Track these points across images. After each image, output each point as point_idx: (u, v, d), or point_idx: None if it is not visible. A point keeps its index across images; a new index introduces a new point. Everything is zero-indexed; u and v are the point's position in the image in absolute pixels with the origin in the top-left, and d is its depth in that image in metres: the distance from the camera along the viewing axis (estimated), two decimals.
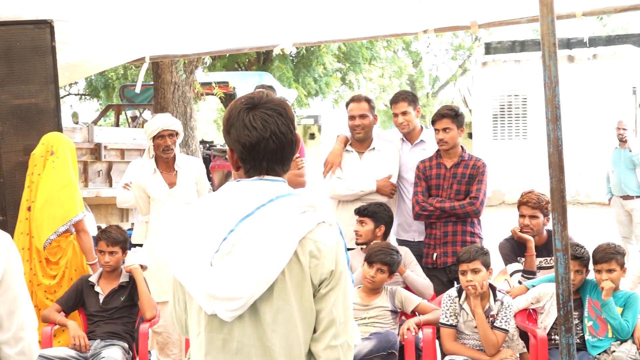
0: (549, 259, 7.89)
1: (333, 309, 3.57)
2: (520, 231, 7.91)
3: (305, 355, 3.60)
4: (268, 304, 3.51)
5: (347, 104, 8.66)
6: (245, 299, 3.45)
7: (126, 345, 7.74)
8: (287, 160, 3.71)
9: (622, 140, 13.92)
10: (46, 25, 8.77)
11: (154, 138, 8.49)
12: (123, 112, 20.91)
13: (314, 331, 3.60)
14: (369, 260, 7.42)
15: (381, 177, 8.36)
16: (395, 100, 8.53)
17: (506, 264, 8.03)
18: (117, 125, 20.04)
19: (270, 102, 3.68)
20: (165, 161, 8.54)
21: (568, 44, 28.87)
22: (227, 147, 3.79)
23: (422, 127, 8.69)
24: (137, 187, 8.57)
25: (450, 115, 8.05)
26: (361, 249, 8.00)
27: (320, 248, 3.54)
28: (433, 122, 8.13)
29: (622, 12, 10.69)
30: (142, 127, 19.02)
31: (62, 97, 25.75)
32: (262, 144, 3.62)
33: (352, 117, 8.46)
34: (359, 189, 8.33)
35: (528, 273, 7.80)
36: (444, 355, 7.20)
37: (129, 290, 7.80)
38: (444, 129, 8.03)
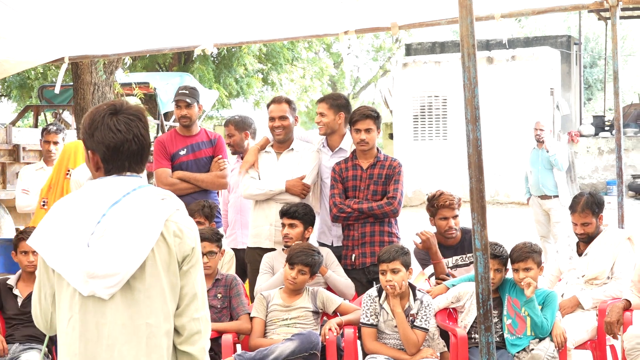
0: (464, 256, 7.98)
1: (194, 284, 3.99)
2: (446, 233, 7.99)
3: (173, 329, 3.97)
4: (141, 281, 3.85)
5: (268, 105, 8.63)
6: (122, 275, 3.77)
7: (46, 349, 7.65)
8: (145, 159, 4.08)
9: (540, 141, 14.08)
10: None
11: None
12: (42, 113, 20.68)
13: (177, 307, 3.97)
14: (291, 262, 7.42)
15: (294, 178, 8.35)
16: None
17: (423, 269, 8.09)
18: (36, 126, 19.80)
19: (130, 108, 4.04)
20: None
21: (487, 45, 29.20)
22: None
23: (345, 134, 8.61)
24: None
25: (373, 117, 8.05)
26: (282, 249, 7.99)
27: (182, 229, 3.95)
28: (354, 123, 8.05)
29: (540, 14, 10.83)
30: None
31: None
32: (125, 145, 3.97)
33: (272, 119, 8.44)
34: (268, 189, 8.31)
35: (440, 279, 7.87)
36: (365, 354, 7.23)
37: None
38: (366, 130, 8.00)
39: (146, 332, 3.85)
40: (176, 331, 3.97)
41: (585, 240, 8.13)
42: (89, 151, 4.01)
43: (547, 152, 13.89)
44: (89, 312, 3.81)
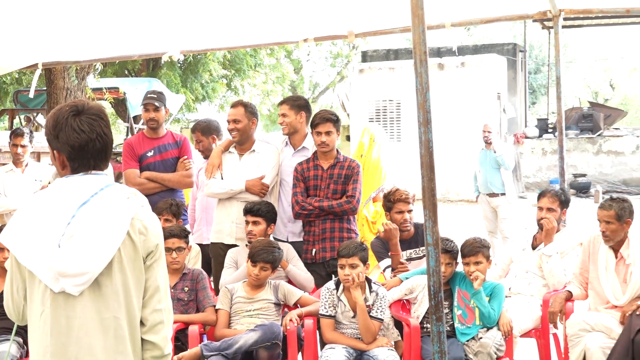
0: (417, 250, 8.00)
1: (157, 278, 4.01)
2: (401, 226, 8.01)
3: (139, 321, 4.00)
4: (108, 277, 3.86)
5: (231, 108, 8.64)
6: (91, 273, 3.78)
7: (21, 340, 7.60)
8: (108, 157, 4.10)
9: (488, 142, 14.14)
10: None
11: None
12: (17, 117, 20.56)
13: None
14: (253, 260, 7.42)
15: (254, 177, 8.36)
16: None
17: (379, 261, 8.10)
18: (11, 128, 19.70)
19: (92, 108, 4.04)
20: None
21: (438, 52, 29.28)
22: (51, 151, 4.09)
23: (307, 133, 8.64)
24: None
25: (333, 120, 8.09)
26: (246, 245, 7.99)
27: (147, 226, 3.97)
28: (315, 126, 8.11)
29: (487, 24, 10.87)
30: (36, 130, 18.70)
31: None
32: (90, 144, 3.97)
33: (228, 122, 8.48)
34: (229, 188, 8.31)
35: (395, 270, 7.90)
36: (323, 344, 7.23)
37: None
38: (327, 132, 8.05)
39: (113, 325, 3.88)
40: (140, 322, 3.99)
41: (541, 227, 8.18)
42: (55, 151, 4.02)
43: (495, 152, 13.95)
44: (60, 306, 3.82)
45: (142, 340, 4.02)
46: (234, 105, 8.58)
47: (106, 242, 3.81)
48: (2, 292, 7.62)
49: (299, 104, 8.56)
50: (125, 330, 3.92)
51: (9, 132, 17.54)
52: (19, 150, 10.70)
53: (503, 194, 14.03)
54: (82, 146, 3.96)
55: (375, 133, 10.79)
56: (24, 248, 3.84)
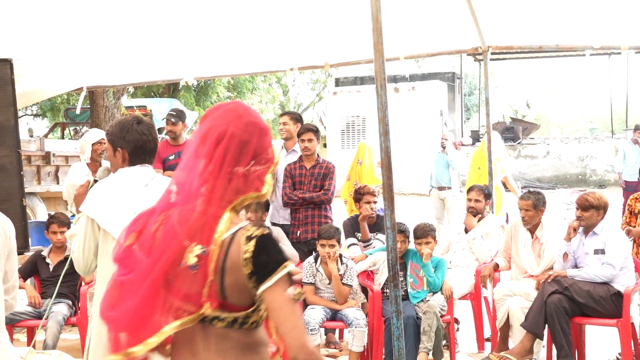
0: (379, 234, 8.00)
1: None
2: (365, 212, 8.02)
3: None
4: None
5: None
6: None
7: (70, 302, 7.61)
8: (155, 155, 4.38)
9: (443, 147, 14.06)
10: (7, 63, 8.49)
11: (93, 144, 8.72)
12: (67, 128, 20.47)
13: None
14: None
15: None
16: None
17: (347, 237, 8.10)
18: (62, 138, 19.59)
19: (147, 120, 4.36)
20: (97, 165, 8.62)
21: (394, 79, 29.21)
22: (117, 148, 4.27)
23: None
24: (73, 187, 8.42)
25: (313, 130, 8.18)
26: None
27: None
28: (299, 135, 8.18)
29: (432, 56, 10.89)
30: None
31: (20, 117, 25.03)
32: (147, 144, 4.25)
33: None
34: None
35: (364, 241, 7.91)
36: (306, 305, 7.21)
37: (72, 260, 7.64)
38: (309, 140, 8.09)
39: None
40: None
41: (473, 213, 8.24)
42: (119, 148, 4.23)
43: (447, 155, 13.89)
44: None
45: None
46: None
47: None
48: (56, 266, 7.68)
49: (297, 117, 8.72)
50: None
51: (61, 140, 17.49)
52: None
53: (449, 188, 14.00)
54: (142, 145, 4.22)
55: (372, 147, 11.56)
56: (105, 216, 4.05)
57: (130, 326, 2.51)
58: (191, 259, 2.50)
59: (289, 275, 2.51)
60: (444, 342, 7.16)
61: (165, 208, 2.61)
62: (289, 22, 8.35)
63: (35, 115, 30.86)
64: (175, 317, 2.50)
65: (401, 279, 6.95)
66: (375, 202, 8.03)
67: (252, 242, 2.48)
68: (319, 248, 7.17)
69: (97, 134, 8.85)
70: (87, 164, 8.83)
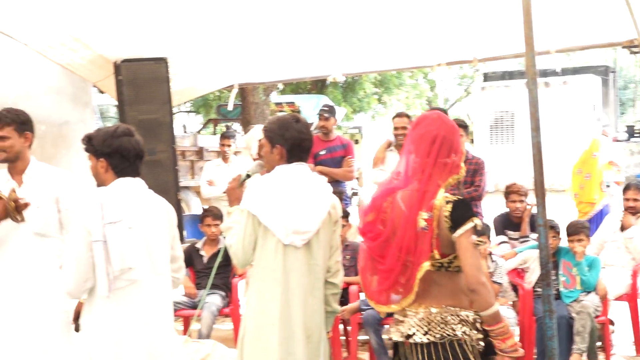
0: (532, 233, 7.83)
1: (337, 239, 4.42)
2: (514, 213, 7.87)
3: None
4: (316, 236, 4.24)
5: (393, 118, 8.76)
6: (312, 232, 4.19)
7: (224, 294, 7.80)
8: (310, 152, 4.47)
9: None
10: (163, 61, 8.79)
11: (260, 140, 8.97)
12: (219, 124, 21.02)
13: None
14: None
15: None
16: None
17: (497, 234, 7.97)
18: (215, 133, 20.12)
19: (304, 119, 4.42)
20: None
21: (544, 73, 28.55)
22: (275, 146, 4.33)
23: None
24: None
25: (463, 126, 8.02)
26: None
27: (336, 205, 4.36)
28: None
29: (584, 50, 10.55)
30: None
31: (175, 114, 25.89)
32: (305, 143, 4.31)
33: (396, 128, 8.50)
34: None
35: (521, 238, 7.79)
36: None
37: (225, 253, 7.83)
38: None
39: (315, 269, 4.27)
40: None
41: (632, 212, 7.94)
42: (277, 145, 4.28)
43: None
44: (287, 253, 4.19)
45: (326, 281, 4.36)
46: (399, 116, 8.70)
47: (321, 210, 4.22)
48: (210, 258, 7.90)
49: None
50: (322, 274, 4.30)
51: (213, 136, 18.00)
52: (226, 148, 10.88)
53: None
54: (300, 144, 4.29)
55: (603, 141, 11.80)
56: (266, 213, 4.16)
57: (389, 283, 3.75)
58: (422, 222, 3.66)
59: (475, 227, 3.63)
60: (598, 343, 6.96)
61: (391, 191, 3.81)
62: (436, 17, 8.27)
63: (189, 112, 31.89)
64: (415, 270, 3.65)
65: (553, 277, 6.78)
66: (521, 202, 7.86)
67: (450, 205, 3.67)
68: None
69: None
70: (254, 159, 9.04)
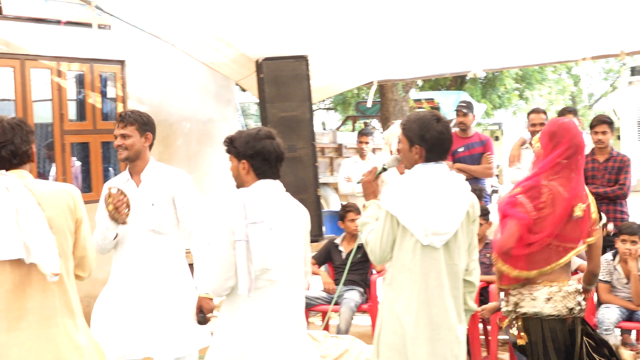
0: None
1: (475, 238, 4.36)
2: None
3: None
4: (454, 236, 4.20)
5: (529, 114, 8.55)
6: (451, 233, 4.16)
7: (362, 290, 7.82)
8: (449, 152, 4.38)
9: None
10: (303, 59, 8.91)
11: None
12: (358, 121, 21.10)
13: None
14: None
15: None
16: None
17: None
18: (353, 130, 20.22)
19: (444, 117, 4.31)
20: None
21: None
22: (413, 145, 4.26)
23: None
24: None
25: (608, 122, 7.82)
26: None
27: (475, 205, 4.30)
28: (592, 127, 7.85)
29: None
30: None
31: (314, 111, 26.22)
32: (446, 143, 4.24)
33: (533, 125, 8.30)
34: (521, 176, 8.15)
35: None
36: (600, 304, 6.92)
37: (364, 250, 7.85)
38: (603, 132, 7.77)
39: (455, 269, 4.22)
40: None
41: None
42: (417, 145, 4.21)
43: None
44: (425, 254, 4.15)
45: (463, 280, 4.31)
46: (536, 112, 8.56)
47: (460, 211, 4.19)
48: (348, 254, 7.93)
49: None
50: (461, 274, 4.26)
51: (352, 133, 18.09)
52: (364, 145, 10.87)
53: None
54: (440, 144, 4.20)
55: None
56: (405, 213, 4.14)
57: (528, 261, 4.47)
58: (578, 211, 4.39)
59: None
60: None
61: (537, 182, 4.51)
62: (581, 9, 8.03)
63: (328, 109, 32.19)
64: (561, 256, 4.45)
65: None
66: None
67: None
68: (619, 244, 6.87)
69: None
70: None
